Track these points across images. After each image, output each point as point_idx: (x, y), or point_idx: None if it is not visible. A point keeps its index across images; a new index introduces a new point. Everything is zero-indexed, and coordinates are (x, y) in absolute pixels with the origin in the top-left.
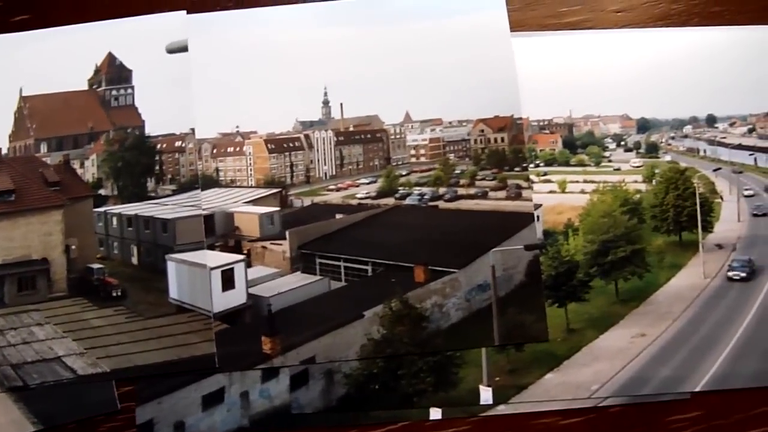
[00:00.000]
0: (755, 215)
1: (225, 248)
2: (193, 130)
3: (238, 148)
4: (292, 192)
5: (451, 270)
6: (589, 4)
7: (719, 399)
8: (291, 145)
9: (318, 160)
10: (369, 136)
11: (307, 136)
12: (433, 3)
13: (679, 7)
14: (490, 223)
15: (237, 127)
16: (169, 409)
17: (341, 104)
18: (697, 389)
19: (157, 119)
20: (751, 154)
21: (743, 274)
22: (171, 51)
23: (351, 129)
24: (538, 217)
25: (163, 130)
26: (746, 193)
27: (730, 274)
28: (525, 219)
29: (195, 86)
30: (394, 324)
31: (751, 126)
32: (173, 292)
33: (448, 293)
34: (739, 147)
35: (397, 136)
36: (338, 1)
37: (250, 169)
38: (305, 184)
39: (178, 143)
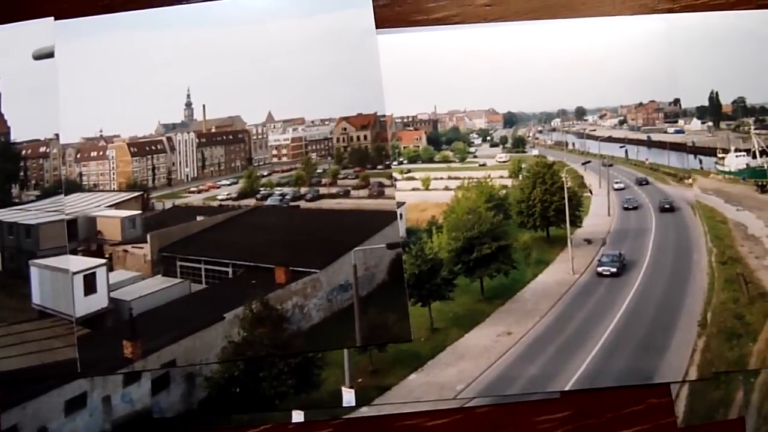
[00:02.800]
0: (626, 209)
1: (87, 252)
2: (57, 135)
3: (101, 153)
4: (154, 195)
5: (312, 270)
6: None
7: (589, 398)
8: (153, 148)
9: (180, 163)
10: (231, 137)
11: (169, 139)
12: (298, 2)
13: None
14: (352, 222)
15: (100, 131)
16: (33, 415)
17: (204, 106)
18: (567, 388)
19: (23, 125)
20: (621, 147)
21: (613, 270)
22: (38, 57)
23: (213, 130)
24: (401, 215)
25: (29, 136)
26: (616, 186)
27: (600, 269)
28: (387, 217)
29: (61, 91)
30: (255, 326)
31: (621, 118)
32: (36, 298)
33: (309, 294)
34: (609, 139)
35: (259, 137)
36: (202, 3)
37: (113, 173)
38: (167, 187)
39: (42, 149)
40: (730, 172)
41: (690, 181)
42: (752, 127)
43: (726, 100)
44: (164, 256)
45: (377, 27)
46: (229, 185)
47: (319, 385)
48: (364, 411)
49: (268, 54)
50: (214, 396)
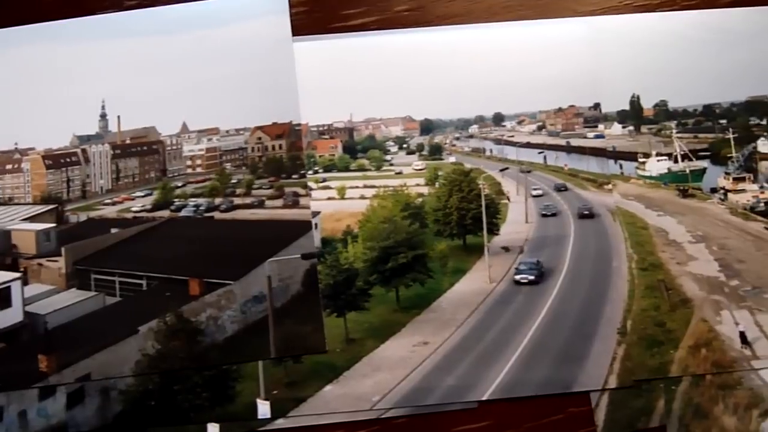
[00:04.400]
0: (544, 215)
1: (2, 266)
2: None
3: (16, 165)
4: (69, 208)
5: (227, 282)
6: (376, 5)
7: (508, 408)
8: (68, 160)
9: (94, 175)
10: (145, 148)
11: (84, 151)
12: (214, 11)
13: (467, 4)
14: (267, 232)
15: (15, 144)
16: None
17: (118, 117)
18: (485, 398)
19: None
20: (540, 152)
21: (531, 277)
22: None
23: (128, 141)
24: (316, 224)
25: None
26: (534, 193)
27: (517, 277)
28: (302, 227)
29: None
30: (169, 339)
31: (540, 123)
32: None
33: (223, 306)
34: (528, 145)
35: (174, 147)
36: (117, 14)
37: (28, 186)
38: (81, 199)
39: None
40: (651, 177)
41: (610, 186)
42: (674, 131)
43: (648, 104)
44: (79, 269)
45: (295, 34)
46: (143, 197)
47: (234, 397)
48: (280, 423)
49: (183, 64)
50: (129, 410)
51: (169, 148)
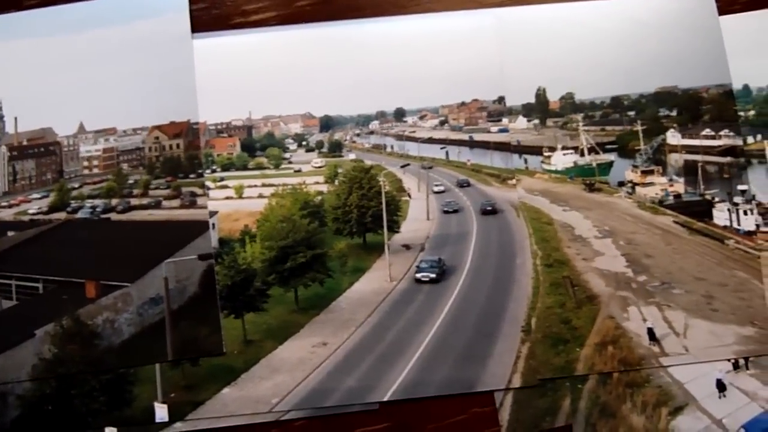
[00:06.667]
0: (446, 212)
1: None
2: None
3: None
4: None
5: (123, 284)
6: (276, 1)
7: (410, 408)
8: None
9: None
10: (42, 149)
11: None
12: (113, 10)
13: None
14: (164, 233)
15: None
16: None
17: (15, 118)
18: (386, 399)
19: None
20: (442, 148)
21: (432, 275)
22: None
23: (24, 143)
24: (213, 225)
25: None
26: (436, 189)
27: (418, 275)
28: (199, 227)
29: None
30: (66, 342)
31: (443, 118)
32: None
33: (120, 308)
34: (430, 141)
35: (71, 148)
36: (15, 14)
37: None
38: None
39: None
40: (556, 171)
41: (514, 181)
42: (581, 124)
43: (554, 97)
44: None
45: (195, 31)
46: (40, 199)
47: (131, 401)
48: (178, 426)
49: (81, 63)
50: (26, 414)
51: (66, 148)
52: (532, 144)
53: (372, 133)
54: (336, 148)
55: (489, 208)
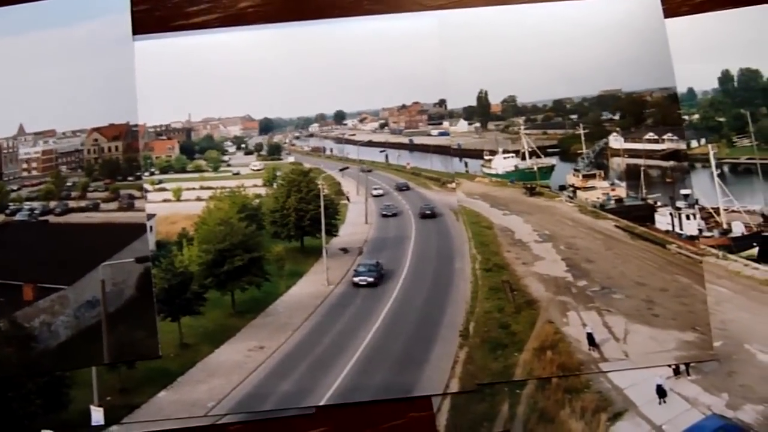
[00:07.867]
0: (384, 216)
1: None
2: None
3: None
4: None
5: (60, 287)
6: (220, 2)
7: (346, 413)
8: None
9: None
10: None
11: None
12: (54, 12)
13: (316, 0)
14: (101, 235)
15: None
16: None
17: None
18: (322, 403)
19: None
20: (382, 151)
21: (370, 279)
22: None
23: None
24: (150, 227)
25: None
26: (375, 192)
27: (356, 279)
28: (137, 230)
29: None
30: (2, 345)
31: (383, 121)
32: None
33: (56, 311)
34: (369, 144)
35: (10, 150)
36: None
37: None
38: None
39: None
40: (497, 175)
41: (453, 185)
42: (522, 127)
43: (496, 100)
44: None
45: (136, 33)
46: None
47: (67, 404)
48: (114, 430)
49: (21, 65)
50: None
51: (5, 150)
52: (473, 147)
53: (311, 135)
54: (275, 151)
55: (428, 212)
